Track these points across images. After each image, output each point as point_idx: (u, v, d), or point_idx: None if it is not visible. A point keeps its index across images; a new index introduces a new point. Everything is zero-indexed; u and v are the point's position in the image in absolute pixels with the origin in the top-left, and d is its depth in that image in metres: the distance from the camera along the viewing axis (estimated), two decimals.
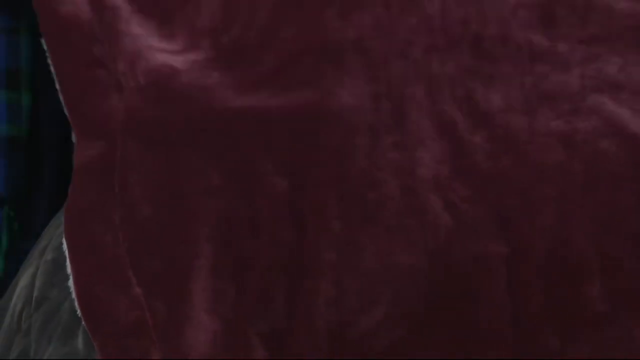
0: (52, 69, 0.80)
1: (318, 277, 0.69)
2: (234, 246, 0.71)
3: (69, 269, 0.76)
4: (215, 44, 0.74)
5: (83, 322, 0.73)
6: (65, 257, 0.77)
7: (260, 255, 0.70)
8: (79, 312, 0.74)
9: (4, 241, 0.93)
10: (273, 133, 0.72)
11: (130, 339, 0.71)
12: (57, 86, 0.80)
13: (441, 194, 0.69)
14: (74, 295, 0.74)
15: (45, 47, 0.80)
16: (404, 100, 0.71)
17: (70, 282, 0.75)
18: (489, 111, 0.70)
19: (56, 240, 0.80)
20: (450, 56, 0.72)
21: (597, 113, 0.70)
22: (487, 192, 0.69)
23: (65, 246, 0.76)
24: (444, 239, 0.68)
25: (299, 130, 0.71)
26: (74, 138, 0.81)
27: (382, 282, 0.68)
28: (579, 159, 0.69)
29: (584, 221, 0.68)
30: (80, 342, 0.75)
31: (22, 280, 0.82)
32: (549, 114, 0.70)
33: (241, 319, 0.70)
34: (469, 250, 0.68)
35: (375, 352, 0.68)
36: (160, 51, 0.75)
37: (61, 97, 0.80)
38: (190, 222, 0.72)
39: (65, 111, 0.81)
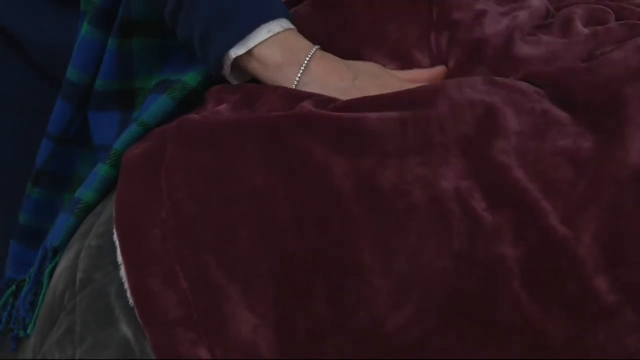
0: None
1: (355, 278, 0.73)
2: (272, 248, 0.75)
3: (119, 258, 0.80)
4: None
5: (135, 311, 0.77)
6: (111, 245, 0.81)
7: (300, 256, 0.75)
8: (130, 302, 0.78)
9: None
10: (315, 140, 0.78)
11: (178, 330, 0.75)
12: None
13: (462, 203, 0.74)
14: (126, 285, 0.78)
15: None
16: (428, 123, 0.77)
17: (122, 272, 0.79)
18: (505, 131, 0.76)
19: (100, 228, 0.84)
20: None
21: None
22: (503, 202, 0.74)
23: (115, 236, 0.80)
24: (466, 243, 0.73)
25: (338, 144, 0.77)
26: None
27: (412, 283, 0.73)
28: (583, 171, 0.75)
29: (590, 223, 0.73)
30: (124, 326, 0.78)
31: (63, 262, 0.86)
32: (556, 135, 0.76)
33: (281, 317, 0.74)
34: (488, 253, 0.73)
35: (405, 347, 0.72)
36: None
37: None
38: (233, 223, 0.77)
39: None
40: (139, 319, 0.77)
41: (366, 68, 0.88)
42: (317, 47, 0.88)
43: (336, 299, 0.74)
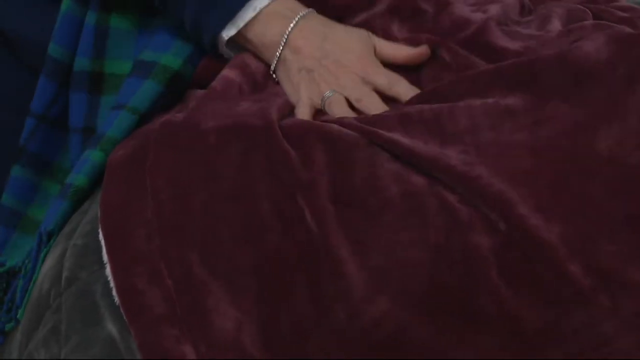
0: None
1: (332, 274, 0.75)
2: (254, 245, 0.77)
3: (104, 257, 0.80)
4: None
5: (122, 310, 0.78)
6: (96, 244, 0.82)
7: (280, 253, 0.76)
8: (116, 299, 0.78)
9: None
10: (289, 144, 0.80)
11: (164, 327, 0.76)
12: None
13: (438, 196, 0.76)
14: (112, 284, 0.79)
15: None
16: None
17: (108, 271, 0.80)
18: (456, 131, 0.78)
19: (85, 228, 0.85)
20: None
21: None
22: (471, 197, 0.75)
23: (101, 235, 0.81)
24: (443, 235, 0.74)
25: (308, 147, 0.79)
26: None
27: (388, 276, 0.74)
28: (547, 162, 0.76)
29: (560, 211, 0.74)
30: (110, 324, 0.79)
31: (48, 262, 0.86)
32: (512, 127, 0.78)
33: (264, 312, 0.75)
34: (464, 243, 0.74)
35: (382, 339, 0.73)
36: None
37: None
38: (216, 222, 0.78)
39: None
40: (124, 317, 0.78)
41: (344, 41, 0.90)
42: (300, 15, 0.90)
43: (315, 294, 0.75)
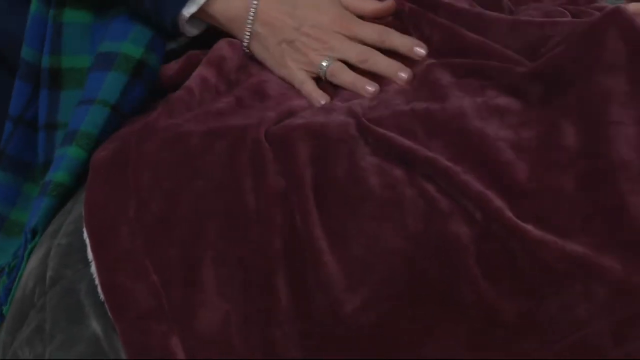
0: None
1: (313, 264, 0.76)
2: (239, 238, 0.78)
3: (89, 256, 0.81)
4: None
5: (107, 308, 0.78)
6: (80, 243, 0.83)
7: (261, 245, 0.77)
8: (101, 297, 0.79)
9: None
10: (273, 140, 0.82)
11: (150, 323, 0.77)
12: None
13: (416, 187, 0.77)
14: (97, 282, 0.80)
15: None
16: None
17: (93, 269, 0.80)
18: (445, 120, 0.80)
19: (69, 227, 0.86)
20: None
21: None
22: (450, 188, 0.77)
23: (85, 234, 0.82)
24: (422, 225, 0.76)
25: (293, 141, 0.81)
26: None
27: (368, 266, 0.75)
28: (525, 157, 0.78)
29: (535, 205, 0.75)
30: (94, 322, 0.79)
31: (32, 261, 0.87)
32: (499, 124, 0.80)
33: (249, 301, 0.76)
34: (443, 232, 0.75)
35: (363, 328, 0.74)
36: None
37: None
38: (201, 217, 0.79)
39: None
40: (109, 315, 0.79)
41: (314, 4, 0.91)
42: None
43: (297, 284, 0.76)
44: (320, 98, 0.88)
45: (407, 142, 0.80)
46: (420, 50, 0.89)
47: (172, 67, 0.95)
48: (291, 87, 0.91)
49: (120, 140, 0.88)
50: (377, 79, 0.89)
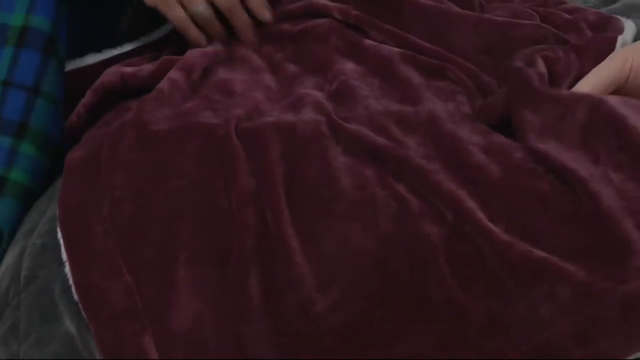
0: None
1: (284, 263, 0.76)
2: (213, 237, 0.79)
3: (63, 256, 0.81)
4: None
5: (80, 307, 0.79)
6: (55, 243, 0.83)
7: (234, 244, 0.78)
8: (75, 297, 0.79)
9: None
10: (245, 139, 0.83)
11: (123, 322, 0.77)
12: None
13: (387, 188, 0.78)
14: (70, 282, 0.80)
15: None
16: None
17: (67, 269, 0.81)
18: (418, 122, 0.82)
19: (44, 227, 0.86)
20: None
21: None
22: (422, 188, 0.78)
23: (59, 234, 0.82)
24: (393, 225, 0.76)
25: (264, 139, 0.82)
26: None
27: (339, 266, 0.76)
28: (497, 160, 0.79)
29: (505, 204, 0.76)
30: (68, 321, 0.80)
31: (7, 260, 0.87)
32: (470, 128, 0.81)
33: (222, 300, 0.77)
34: (414, 232, 0.76)
35: (334, 327, 0.74)
36: None
37: None
38: (174, 215, 0.80)
39: None
40: (83, 314, 0.79)
41: None
42: None
43: (268, 283, 0.76)
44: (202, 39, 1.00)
45: (380, 140, 0.81)
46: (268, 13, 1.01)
47: (146, 69, 0.96)
48: (256, 82, 0.93)
49: (94, 141, 0.88)
50: (345, 72, 0.91)
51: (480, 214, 0.75)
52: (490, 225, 0.75)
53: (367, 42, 0.94)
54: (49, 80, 0.93)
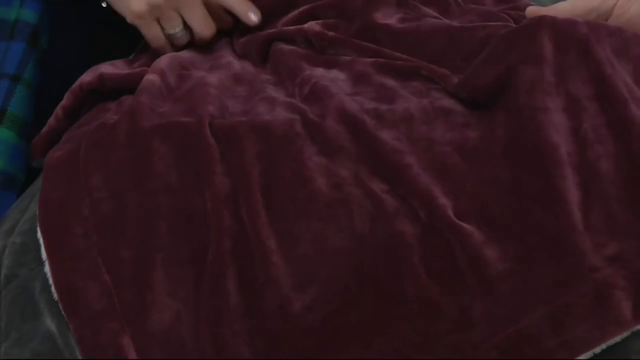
0: None
1: (262, 263, 0.77)
2: (190, 237, 0.79)
3: (43, 255, 0.82)
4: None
5: (60, 307, 0.79)
6: (35, 242, 0.84)
7: (211, 245, 0.78)
8: (55, 296, 0.80)
9: None
10: (219, 138, 0.83)
11: (101, 322, 0.78)
12: None
13: (362, 187, 0.79)
14: (50, 281, 0.80)
15: None
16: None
17: (46, 269, 0.81)
18: (393, 121, 0.83)
19: (24, 226, 0.86)
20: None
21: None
22: (398, 185, 0.79)
23: (39, 234, 0.83)
24: (368, 224, 0.77)
25: (239, 139, 0.83)
26: None
27: (315, 265, 0.76)
28: (468, 156, 0.80)
29: (474, 200, 0.78)
30: (48, 320, 0.80)
31: None
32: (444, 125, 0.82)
33: (200, 300, 0.77)
34: (389, 231, 0.77)
35: (311, 326, 0.75)
36: None
37: None
38: (151, 216, 0.80)
39: None
40: (63, 313, 0.79)
41: None
42: None
43: (245, 283, 0.77)
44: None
45: (356, 136, 0.82)
46: (254, 17, 1.03)
47: (125, 70, 0.97)
48: (230, 79, 0.94)
49: (74, 141, 0.89)
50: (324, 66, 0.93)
51: (450, 212, 0.77)
52: (458, 222, 0.76)
53: (342, 57, 0.95)
54: (30, 69, 0.94)
